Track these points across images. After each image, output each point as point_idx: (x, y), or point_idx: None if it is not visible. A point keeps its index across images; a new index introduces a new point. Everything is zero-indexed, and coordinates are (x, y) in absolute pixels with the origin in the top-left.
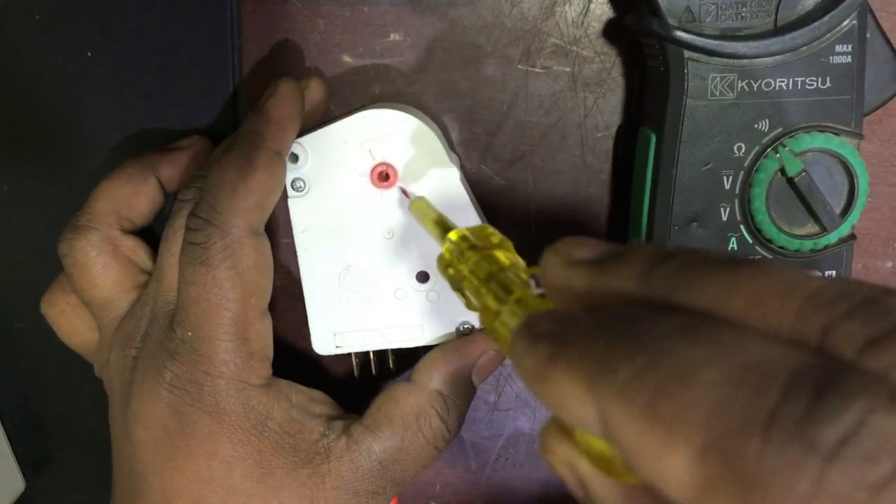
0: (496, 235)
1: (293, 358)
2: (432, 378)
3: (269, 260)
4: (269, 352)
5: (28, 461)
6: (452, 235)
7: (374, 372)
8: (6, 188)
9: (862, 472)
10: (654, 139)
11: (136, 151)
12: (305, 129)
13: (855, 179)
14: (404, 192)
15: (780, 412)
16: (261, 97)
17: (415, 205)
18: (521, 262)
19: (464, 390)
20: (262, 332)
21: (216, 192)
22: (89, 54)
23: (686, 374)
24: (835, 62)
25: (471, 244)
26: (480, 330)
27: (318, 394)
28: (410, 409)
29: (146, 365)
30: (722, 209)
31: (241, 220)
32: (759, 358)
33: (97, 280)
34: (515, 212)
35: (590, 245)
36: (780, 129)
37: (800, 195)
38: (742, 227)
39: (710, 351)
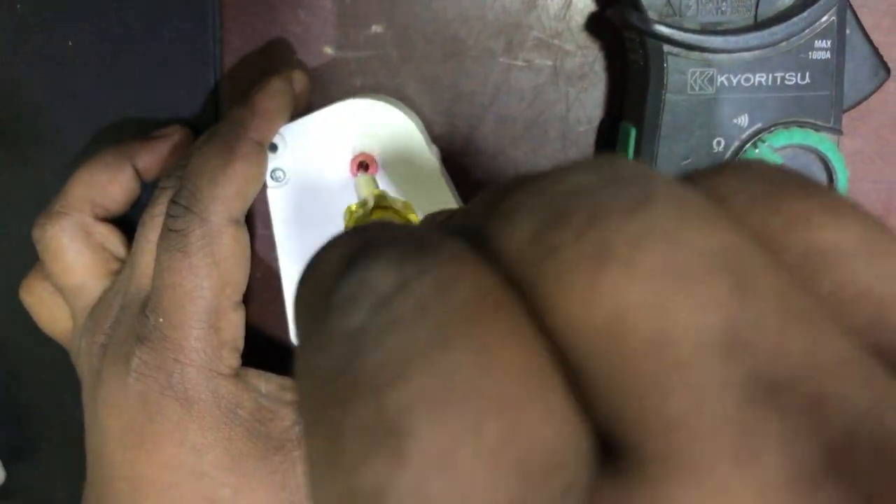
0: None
1: (273, 350)
2: None
3: (247, 250)
4: (240, 343)
5: (7, 451)
6: (376, 198)
7: None
8: None
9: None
10: (633, 133)
11: (116, 141)
12: (286, 120)
13: (834, 175)
14: (363, 166)
15: None
16: (244, 89)
17: (360, 180)
18: None
19: None
20: (235, 323)
21: (197, 179)
22: (70, 44)
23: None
24: (814, 58)
25: (383, 205)
26: None
27: (289, 381)
28: None
29: (116, 352)
30: None
31: (220, 209)
32: None
33: (69, 266)
34: None
35: None
36: (760, 125)
37: None
38: None
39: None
